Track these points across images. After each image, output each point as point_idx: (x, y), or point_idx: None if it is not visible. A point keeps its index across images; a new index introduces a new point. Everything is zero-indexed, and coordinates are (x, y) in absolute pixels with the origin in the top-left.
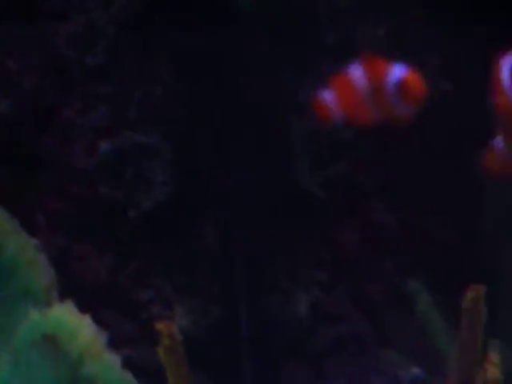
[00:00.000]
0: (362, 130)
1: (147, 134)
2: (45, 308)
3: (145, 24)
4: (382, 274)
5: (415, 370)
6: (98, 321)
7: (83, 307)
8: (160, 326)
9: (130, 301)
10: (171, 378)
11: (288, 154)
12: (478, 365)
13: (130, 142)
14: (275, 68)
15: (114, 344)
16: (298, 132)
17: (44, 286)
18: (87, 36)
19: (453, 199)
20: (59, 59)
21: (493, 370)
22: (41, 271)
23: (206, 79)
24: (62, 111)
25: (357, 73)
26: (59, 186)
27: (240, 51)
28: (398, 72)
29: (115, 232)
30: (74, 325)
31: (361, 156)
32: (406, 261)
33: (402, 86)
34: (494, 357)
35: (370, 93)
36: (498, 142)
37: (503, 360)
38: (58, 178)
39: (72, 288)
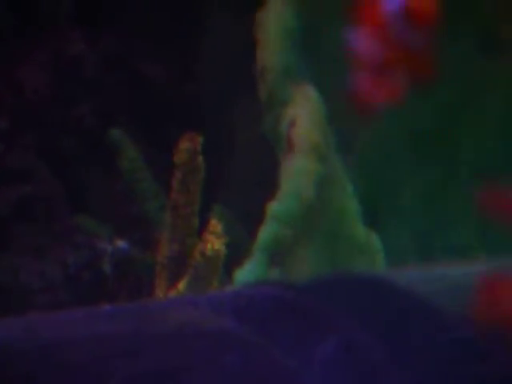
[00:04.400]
0: None
1: None
2: None
3: None
4: (77, 120)
5: (119, 243)
6: None
7: None
8: None
9: None
10: None
11: None
12: (194, 235)
13: None
14: None
15: None
16: None
17: None
18: None
19: (166, 28)
20: None
21: (213, 241)
22: None
23: None
24: None
25: None
26: None
27: None
28: None
29: None
30: None
31: None
32: (107, 104)
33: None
34: (216, 225)
35: None
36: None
37: (228, 230)
38: None
39: None
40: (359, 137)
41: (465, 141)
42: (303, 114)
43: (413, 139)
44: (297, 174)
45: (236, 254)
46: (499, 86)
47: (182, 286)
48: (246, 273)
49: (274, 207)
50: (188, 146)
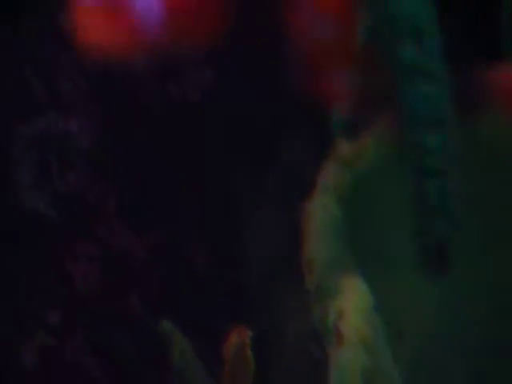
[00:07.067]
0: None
1: None
2: None
3: None
4: (126, 312)
5: None
6: None
7: None
8: None
9: None
10: None
11: (6, 162)
12: None
13: None
14: None
15: None
16: (19, 135)
17: None
18: None
19: (212, 220)
20: None
21: None
22: None
23: None
24: None
25: None
26: None
27: None
28: None
29: None
30: None
31: (99, 165)
32: (156, 296)
33: None
34: None
35: None
36: None
37: None
38: None
39: None
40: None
41: None
42: (351, 306)
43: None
44: (344, 367)
45: None
46: None
47: None
48: None
49: None
50: (237, 340)
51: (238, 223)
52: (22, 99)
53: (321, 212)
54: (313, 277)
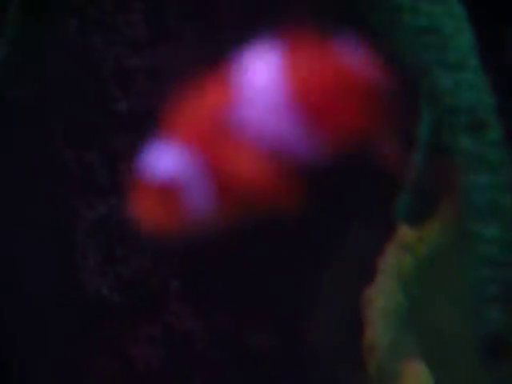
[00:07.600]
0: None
1: None
2: None
3: None
4: None
5: None
6: None
7: None
8: None
9: None
10: None
11: (71, 246)
12: None
13: None
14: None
15: None
16: (82, 219)
17: None
18: None
19: (275, 303)
20: None
21: None
22: None
23: None
24: None
25: None
26: None
27: None
28: None
29: None
30: None
31: (161, 248)
32: (219, 379)
33: None
34: None
35: None
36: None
37: None
38: None
39: None
40: None
41: None
42: None
43: None
44: None
45: None
46: None
47: None
48: None
49: None
50: None
51: (301, 307)
52: (86, 184)
53: (383, 297)
54: (374, 361)
